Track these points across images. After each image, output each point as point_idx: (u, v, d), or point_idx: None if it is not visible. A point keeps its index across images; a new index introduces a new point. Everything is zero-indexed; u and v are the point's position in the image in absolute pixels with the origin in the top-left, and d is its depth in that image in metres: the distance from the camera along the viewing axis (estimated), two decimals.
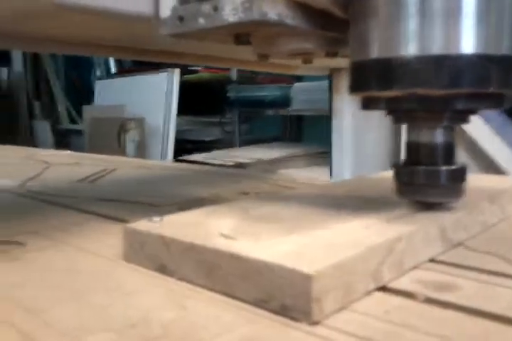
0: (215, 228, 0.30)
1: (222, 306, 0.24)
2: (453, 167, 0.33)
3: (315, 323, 0.22)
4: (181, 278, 0.28)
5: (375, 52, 0.31)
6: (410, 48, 0.29)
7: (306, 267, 0.22)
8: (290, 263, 0.23)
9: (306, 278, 0.22)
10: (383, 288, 0.26)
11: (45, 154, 1.00)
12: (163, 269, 0.29)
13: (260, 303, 0.24)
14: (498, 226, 0.37)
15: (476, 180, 0.45)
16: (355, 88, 0.33)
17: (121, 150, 2.32)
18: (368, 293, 0.25)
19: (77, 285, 0.27)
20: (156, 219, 0.32)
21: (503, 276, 0.27)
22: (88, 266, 0.30)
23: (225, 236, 0.28)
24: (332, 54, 0.38)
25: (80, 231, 0.39)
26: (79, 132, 2.69)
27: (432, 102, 0.30)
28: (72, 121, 3.04)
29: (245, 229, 0.29)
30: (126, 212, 0.46)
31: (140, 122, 2.32)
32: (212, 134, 2.48)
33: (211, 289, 0.26)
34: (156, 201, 0.50)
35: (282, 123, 2.58)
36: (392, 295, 0.25)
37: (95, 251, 0.33)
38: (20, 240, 0.35)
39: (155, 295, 0.26)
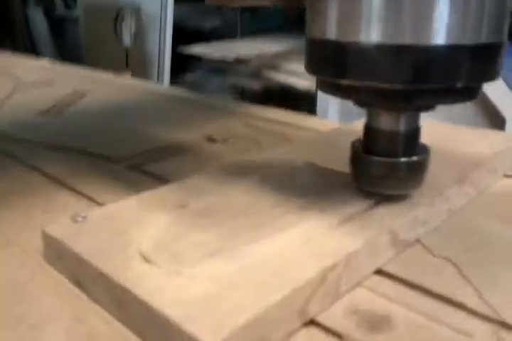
0: (137, 239, 0.27)
1: None
2: (414, 158, 0.29)
3: None
4: (95, 301, 0.25)
5: (332, 32, 0.25)
6: (371, 34, 0.23)
7: (207, 337, 0.19)
8: (193, 326, 0.20)
9: None
10: (311, 323, 0.24)
11: (20, 65, 0.94)
12: (79, 285, 0.26)
13: None
14: (463, 211, 0.33)
15: (465, 142, 0.40)
16: (309, 69, 0.27)
17: (117, 41, 2.22)
18: (290, 333, 0.23)
19: None
20: (80, 217, 0.29)
21: (451, 305, 0.24)
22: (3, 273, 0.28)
23: (144, 258, 0.25)
24: None
25: (14, 206, 0.36)
26: (75, 21, 2.53)
27: (391, 96, 0.25)
28: (67, 6, 2.85)
29: (170, 244, 0.26)
30: (68, 170, 0.42)
31: (136, 10, 2.17)
32: (212, 22, 2.32)
33: (124, 324, 0.24)
34: (108, 152, 0.46)
35: (287, 12, 2.38)
36: (316, 338, 0.23)
37: (21, 242, 0.31)
38: None
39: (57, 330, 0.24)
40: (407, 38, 0.23)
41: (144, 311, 0.22)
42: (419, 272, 0.27)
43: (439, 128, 0.44)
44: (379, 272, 0.27)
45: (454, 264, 0.27)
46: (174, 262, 0.25)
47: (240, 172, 0.36)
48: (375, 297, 0.25)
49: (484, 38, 0.23)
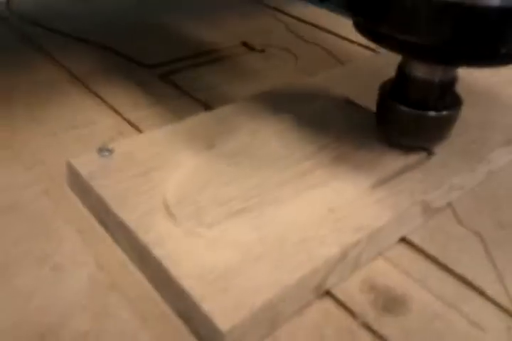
0: (162, 185, 0.26)
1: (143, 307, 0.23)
2: (444, 112, 0.27)
3: None
4: (118, 244, 0.26)
5: None
6: None
7: (221, 320, 0.20)
8: (209, 305, 0.20)
9: (220, 334, 0.20)
10: (326, 294, 0.24)
11: None
12: (103, 224, 0.27)
13: (181, 315, 0.22)
14: (505, 172, 0.31)
15: None
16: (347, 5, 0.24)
17: None
18: (304, 306, 0.23)
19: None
20: (106, 151, 0.28)
21: (470, 289, 0.24)
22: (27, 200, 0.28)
23: (167, 212, 0.25)
24: None
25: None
26: None
27: (427, 52, 0.23)
28: None
29: (194, 195, 0.26)
30: (96, 72, 0.40)
31: None
32: None
33: (145, 275, 0.24)
34: (141, 55, 0.43)
35: None
36: (328, 312, 0.23)
37: (47, 163, 0.31)
38: None
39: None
40: None
41: (163, 274, 0.22)
42: (444, 245, 0.26)
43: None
44: (403, 240, 0.27)
45: (482, 240, 0.26)
46: (196, 219, 0.24)
47: (273, 104, 0.33)
48: (394, 271, 0.25)
49: None
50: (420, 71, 0.26)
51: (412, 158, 0.29)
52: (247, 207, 0.25)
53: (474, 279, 0.24)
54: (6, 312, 0.22)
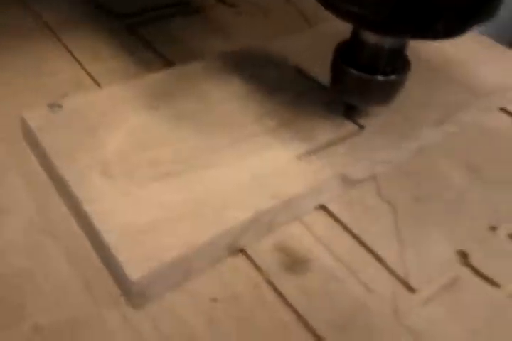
0: (104, 142, 0.28)
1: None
2: (392, 77, 0.29)
3: (137, 307, 0.24)
4: (60, 196, 0.28)
5: None
6: None
7: (132, 270, 0.23)
8: (122, 257, 0.23)
9: (130, 282, 0.22)
10: (239, 251, 0.27)
11: None
12: (49, 175, 0.29)
13: (104, 262, 0.25)
14: (435, 149, 0.33)
15: (478, 63, 0.37)
16: None
17: None
18: (216, 261, 0.26)
19: None
20: (56, 107, 0.30)
21: (373, 256, 0.27)
22: None
23: (104, 169, 0.27)
24: None
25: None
26: None
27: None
28: None
29: (131, 155, 0.28)
30: (65, 20, 0.41)
31: None
32: None
33: (78, 225, 0.27)
34: (111, 3, 0.44)
35: None
36: (238, 268, 0.26)
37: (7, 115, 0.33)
38: None
39: None
40: None
41: (91, 227, 0.25)
42: (358, 214, 0.29)
43: (470, 46, 0.40)
44: (322, 207, 0.29)
45: (394, 212, 0.29)
46: (129, 178, 0.27)
47: (230, 67, 0.35)
48: (306, 235, 0.28)
49: None
50: (370, 37, 0.28)
51: (343, 131, 0.31)
52: (176, 169, 0.27)
53: (376, 247, 0.27)
54: None
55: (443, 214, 0.29)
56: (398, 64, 0.29)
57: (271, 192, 0.27)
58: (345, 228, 0.28)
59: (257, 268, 0.26)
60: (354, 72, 0.28)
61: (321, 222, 0.28)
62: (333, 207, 0.29)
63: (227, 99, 0.32)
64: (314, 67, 0.35)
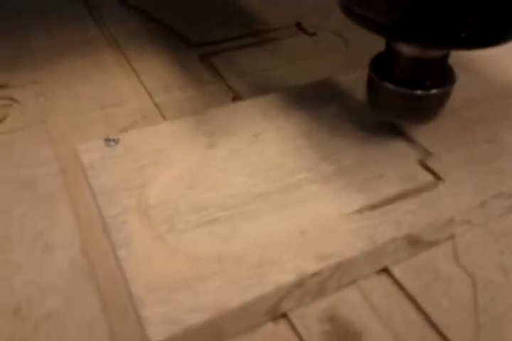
0: (149, 184, 0.27)
1: None
2: (432, 91, 0.26)
3: None
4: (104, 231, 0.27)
5: None
6: None
7: (153, 331, 0.20)
8: (146, 314, 0.21)
9: None
10: (282, 316, 0.24)
11: None
12: (97, 210, 0.28)
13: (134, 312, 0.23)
14: None
15: None
16: None
17: None
18: (253, 327, 0.23)
19: None
20: (112, 142, 0.29)
21: (436, 333, 0.23)
22: None
23: (145, 211, 0.25)
24: None
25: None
26: None
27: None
28: None
29: (175, 198, 0.26)
30: (136, 44, 0.41)
31: None
32: None
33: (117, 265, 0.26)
34: (187, 31, 0.43)
35: None
36: (277, 335, 0.23)
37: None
38: None
39: None
40: None
41: (123, 273, 0.23)
42: (427, 283, 0.24)
43: None
44: (385, 271, 0.25)
45: (474, 285, 0.24)
46: (169, 224, 0.25)
47: (295, 102, 0.32)
48: (362, 303, 0.24)
49: None
50: (402, 48, 0.25)
51: (415, 182, 0.26)
52: (219, 217, 0.25)
53: (445, 328, 0.23)
54: None
55: None
56: (439, 76, 0.26)
57: (320, 252, 0.23)
58: (410, 298, 0.24)
59: (299, 337, 0.23)
60: (390, 86, 0.26)
61: (381, 289, 0.25)
62: (397, 272, 0.25)
63: (284, 139, 0.29)
64: None
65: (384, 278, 0.25)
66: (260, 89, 0.37)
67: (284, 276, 0.22)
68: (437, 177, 0.27)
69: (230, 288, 0.22)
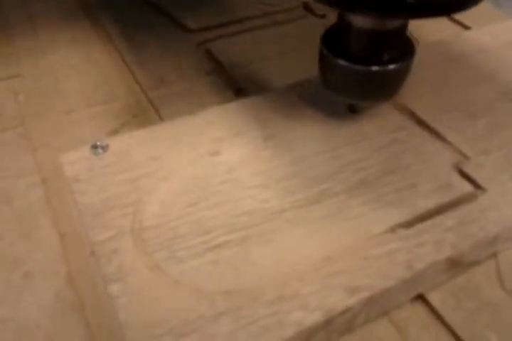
0: (142, 203, 0.23)
1: None
2: (390, 67, 0.23)
3: None
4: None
5: None
6: None
7: None
8: None
9: None
10: None
11: None
12: (83, 229, 0.24)
13: None
14: None
15: None
16: None
17: None
18: None
19: None
20: (100, 149, 0.26)
21: None
22: None
23: (139, 235, 0.22)
24: None
25: None
26: None
27: None
28: None
29: (171, 219, 0.22)
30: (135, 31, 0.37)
31: None
32: None
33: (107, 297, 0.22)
34: (185, 16, 0.39)
35: None
36: None
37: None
38: None
39: None
40: None
41: (115, 311, 0.19)
42: (470, 312, 0.21)
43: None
44: (420, 297, 0.22)
45: None
46: (168, 249, 0.21)
47: (305, 99, 0.28)
48: (395, 337, 0.21)
49: None
50: (355, 19, 0.22)
51: (453, 193, 0.23)
52: (229, 241, 0.21)
53: None
54: None
55: None
56: (397, 50, 0.23)
57: (350, 283, 0.20)
58: (450, 330, 0.21)
59: None
60: (344, 63, 0.23)
61: (416, 320, 0.21)
62: (434, 298, 0.21)
63: (295, 143, 0.25)
64: (425, 109, 0.27)
65: (420, 307, 0.22)
66: (266, 80, 0.33)
67: (308, 315, 0.19)
68: (477, 186, 0.23)
69: (239, 334, 0.18)
